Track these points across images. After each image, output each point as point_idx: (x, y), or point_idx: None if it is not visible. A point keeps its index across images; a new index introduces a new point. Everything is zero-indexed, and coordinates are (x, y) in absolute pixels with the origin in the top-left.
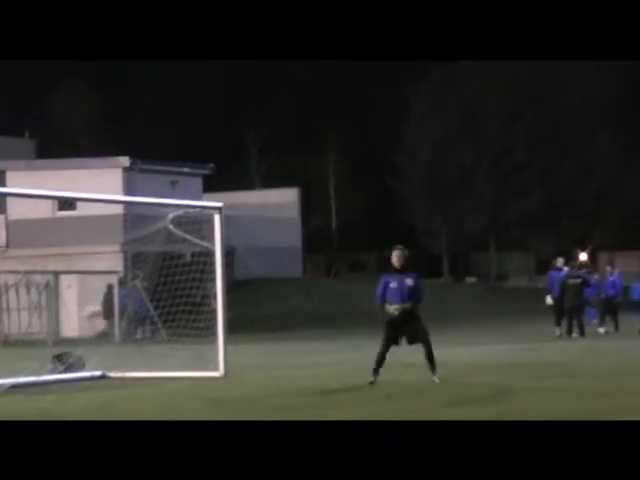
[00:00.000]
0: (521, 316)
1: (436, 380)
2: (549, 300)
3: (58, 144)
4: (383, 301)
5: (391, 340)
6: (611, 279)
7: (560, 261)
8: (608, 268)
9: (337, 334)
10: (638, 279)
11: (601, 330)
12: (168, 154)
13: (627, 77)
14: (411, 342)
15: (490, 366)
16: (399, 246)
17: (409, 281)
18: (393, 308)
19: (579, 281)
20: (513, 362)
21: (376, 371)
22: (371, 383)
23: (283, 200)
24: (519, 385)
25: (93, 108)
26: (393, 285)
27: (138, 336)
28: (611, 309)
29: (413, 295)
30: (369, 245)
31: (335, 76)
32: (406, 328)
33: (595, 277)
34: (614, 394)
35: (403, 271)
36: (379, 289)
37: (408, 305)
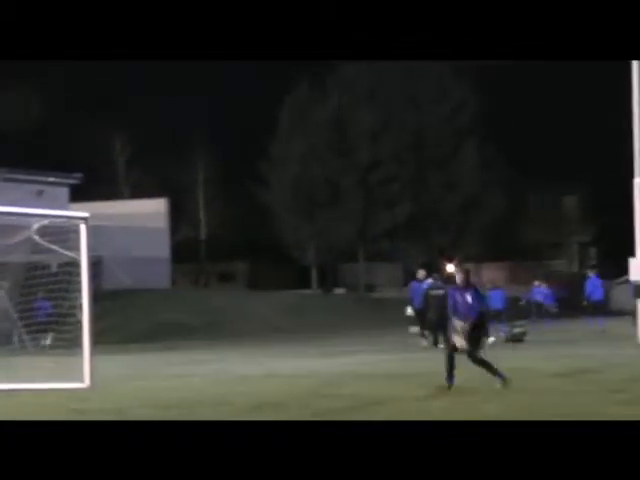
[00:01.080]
0: (389, 327)
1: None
2: (409, 311)
3: None
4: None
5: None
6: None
7: (421, 273)
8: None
9: (205, 345)
10: (494, 288)
11: (490, 340)
12: (34, 163)
13: (485, 90)
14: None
15: (357, 377)
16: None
17: (468, 296)
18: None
19: (442, 292)
20: (380, 373)
21: (450, 377)
22: (449, 388)
23: (151, 210)
24: (384, 395)
25: None
26: (459, 299)
27: (11, 346)
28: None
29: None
30: (238, 256)
31: (204, 85)
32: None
33: None
34: (473, 404)
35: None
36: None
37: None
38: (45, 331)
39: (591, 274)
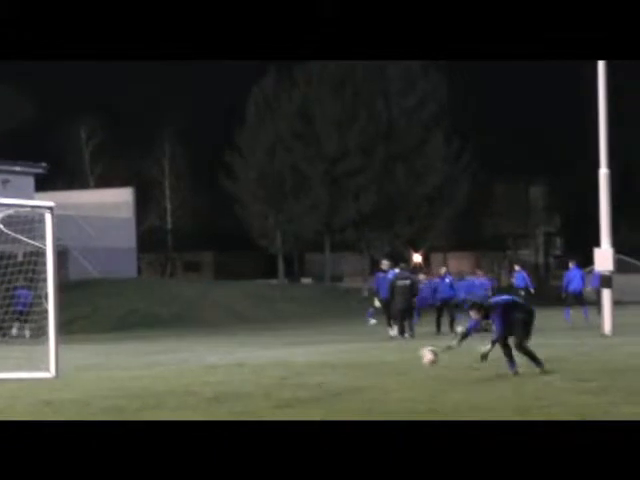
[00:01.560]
0: (356, 316)
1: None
2: (377, 303)
3: None
4: None
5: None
6: (447, 281)
7: (385, 264)
8: (443, 269)
9: (172, 335)
10: (461, 278)
11: (459, 329)
12: None
13: (453, 80)
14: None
15: (324, 366)
16: None
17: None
18: None
19: (408, 282)
20: (347, 362)
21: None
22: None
23: (118, 200)
24: (351, 385)
25: None
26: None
27: None
28: (448, 310)
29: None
30: (205, 245)
31: (170, 75)
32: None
33: (422, 278)
34: (441, 393)
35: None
36: None
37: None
38: (20, 320)
39: (571, 265)
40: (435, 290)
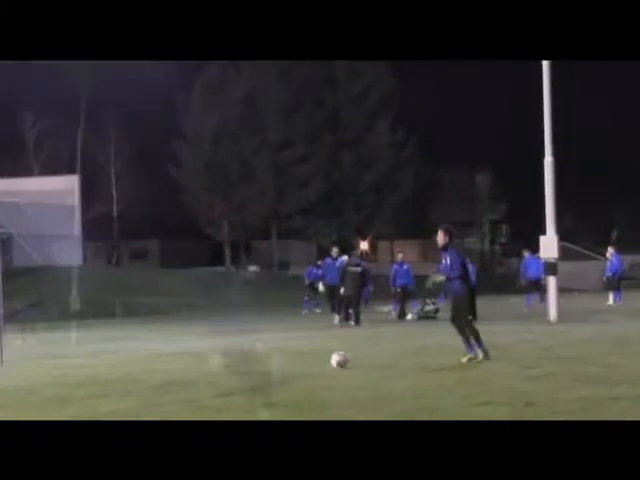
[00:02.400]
0: (302, 304)
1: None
2: (321, 287)
3: None
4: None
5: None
6: (405, 267)
7: (335, 251)
8: (400, 255)
9: (118, 323)
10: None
11: (408, 316)
12: None
13: (397, 69)
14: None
15: (270, 354)
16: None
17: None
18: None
19: (359, 269)
20: (292, 349)
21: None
22: (471, 359)
23: (63, 187)
24: (295, 372)
25: None
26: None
27: None
28: (407, 296)
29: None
30: (151, 233)
31: (119, 62)
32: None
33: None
34: (385, 380)
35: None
36: None
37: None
38: None
39: (527, 254)
40: (395, 276)
